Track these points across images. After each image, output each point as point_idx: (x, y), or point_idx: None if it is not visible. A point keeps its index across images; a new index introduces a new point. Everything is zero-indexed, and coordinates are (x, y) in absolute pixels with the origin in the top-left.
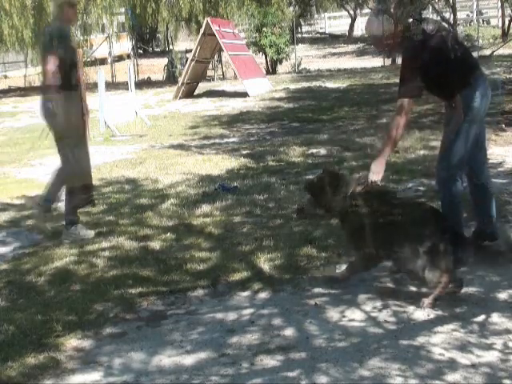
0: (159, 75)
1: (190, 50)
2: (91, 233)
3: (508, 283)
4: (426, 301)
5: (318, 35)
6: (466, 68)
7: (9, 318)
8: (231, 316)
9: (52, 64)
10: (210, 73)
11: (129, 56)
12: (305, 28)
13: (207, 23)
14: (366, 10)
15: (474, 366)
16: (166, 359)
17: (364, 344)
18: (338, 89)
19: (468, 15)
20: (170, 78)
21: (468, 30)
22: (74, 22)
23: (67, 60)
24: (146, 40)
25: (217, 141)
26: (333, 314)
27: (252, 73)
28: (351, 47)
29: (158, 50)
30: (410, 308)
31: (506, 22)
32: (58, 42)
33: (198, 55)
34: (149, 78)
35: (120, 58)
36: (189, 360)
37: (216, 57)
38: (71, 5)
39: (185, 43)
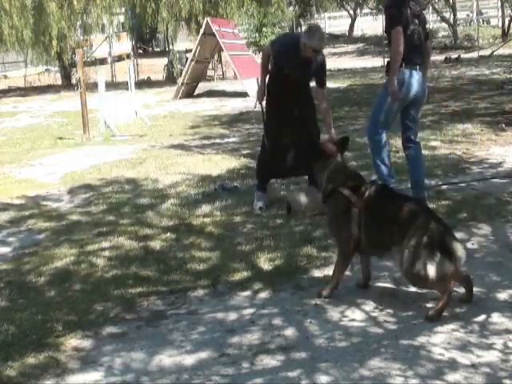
0: (159, 75)
1: (190, 50)
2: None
3: (508, 283)
4: (435, 312)
5: None
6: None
7: (9, 318)
8: (231, 316)
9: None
10: (210, 73)
11: (129, 56)
12: (305, 28)
13: (207, 23)
14: (366, 10)
15: (474, 365)
16: (167, 359)
17: (364, 344)
18: (338, 89)
19: (468, 15)
20: (170, 78)
21: (468, 29)
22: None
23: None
24: (145, 40)
25: (217, 141)
26: (333, 313)
27: (252, 73)
28: (351, 47)
29: (157, 50)
30: (410, 308)
31: (506, 22)
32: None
33: (197, 55)
34: (149, 78)
35: (120, 58)
36: (189, 360)
37: (216, 57)
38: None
39: (185, 43)
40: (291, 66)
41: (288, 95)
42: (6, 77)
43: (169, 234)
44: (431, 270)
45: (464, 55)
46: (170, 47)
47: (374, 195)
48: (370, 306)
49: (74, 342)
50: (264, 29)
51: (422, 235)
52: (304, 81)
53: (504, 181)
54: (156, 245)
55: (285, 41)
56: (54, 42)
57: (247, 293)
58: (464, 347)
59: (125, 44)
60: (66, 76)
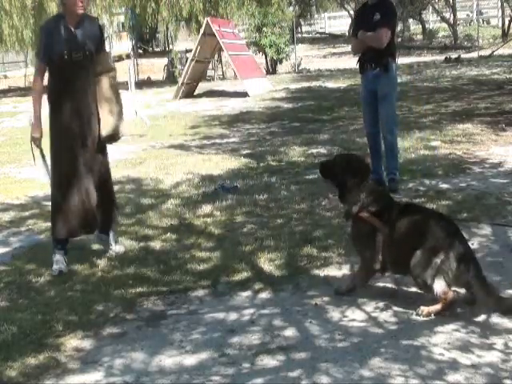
0: (159, 75)
1: (190, 50)
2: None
3: (508, 283)
4: (426, 310)
5: (318, 35)
6: None
7: (9, 318)
8: (232, 316)
9: None
10: (210, 73)
11: (129, 56)
12: (305, 28)
13: (207, 23)
14: None
15: (474, 366)
16: (167, 359)
17: (364, 344)
18: (338, 89)
19: (468, 15)
20: (170, 78)
21: (468, 29)
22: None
23: None
24: (145, 40)
25: (217, 141)
26: (333, 314)
27: (252, 73)
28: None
29: (158, 49)
30: (411, 308)
31: (506, 22)
32: None
33: (198, 55)
34: (149, 77)
35: (120, 58)
36: (189, 360)
37: (216, 57)
38: None
39: (185, 43)
40: (65, 42)
41: (73, 92)
42: (6, 77)
43: (169, 234)
44: (438, 284)
45: (464, 55)
46: (170, 47)
47: (399, 217)
48: (370, 306)
49: (74, 342)
50: (264, 29)
51: (438, 249)
52: (87, 59)
53: (504, 181)
54: (156, 245)
55: (45, 32)
56: None
57: (247, 293)
58: (464, 347)
59: (125, 44)
60: None
